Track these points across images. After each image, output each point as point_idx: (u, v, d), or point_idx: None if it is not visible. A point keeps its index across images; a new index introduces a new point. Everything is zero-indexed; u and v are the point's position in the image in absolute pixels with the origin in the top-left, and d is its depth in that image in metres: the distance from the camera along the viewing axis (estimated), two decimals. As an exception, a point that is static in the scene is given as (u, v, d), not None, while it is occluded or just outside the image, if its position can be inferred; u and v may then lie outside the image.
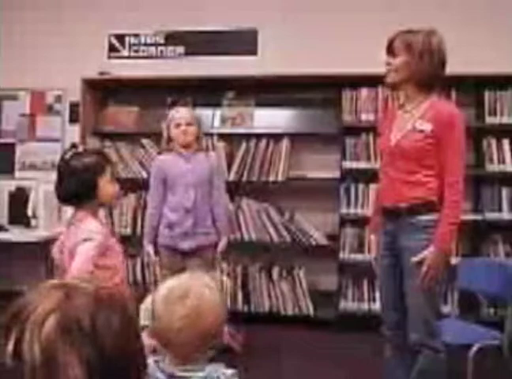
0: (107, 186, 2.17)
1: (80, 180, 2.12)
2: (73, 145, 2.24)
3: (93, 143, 4.43)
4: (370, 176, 3.84)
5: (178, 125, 3.13)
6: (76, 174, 2.12)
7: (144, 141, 4.45)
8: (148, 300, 3.34)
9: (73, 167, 2.13)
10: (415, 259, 2.24)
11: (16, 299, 0.77)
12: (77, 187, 2.12)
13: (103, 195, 2.17)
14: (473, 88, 4.10)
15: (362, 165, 4.10)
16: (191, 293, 1.32)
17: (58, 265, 2.23)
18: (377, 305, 3.90)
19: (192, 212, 3.09)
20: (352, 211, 4.11)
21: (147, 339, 1.28)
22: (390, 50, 2.36)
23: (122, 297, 0.81)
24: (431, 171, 2.28)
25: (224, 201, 3.24)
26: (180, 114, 3.18)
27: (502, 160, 3.96)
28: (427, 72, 2.29)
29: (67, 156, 2.17)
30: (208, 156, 3.20)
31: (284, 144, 4.25)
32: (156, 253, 3.22)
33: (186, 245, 3.10)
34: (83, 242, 2.05)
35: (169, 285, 1.37)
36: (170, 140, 3.19)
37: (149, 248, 3.21)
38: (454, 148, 2.25)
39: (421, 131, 2.28)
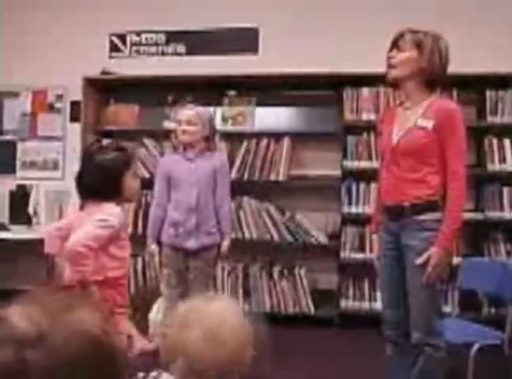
0: (131, 182, 2.16)
1: (107, 175, 2.09)
2: (97, 139, 2.24)
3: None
4: (371, 175, 3.84)
5: (179, 123, 3.12)
6: (102, 169, 2.09)
7: (145, 140, 4.45)
8: (154, 309, 3.33)
9: (99, 162, 2.11)
10: (420, 260, 2.24)
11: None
12: (103, 182, 2.09)
13: (127, 191, 2.15)
14: (475, 88, 4.09)
15: (363, 164, 4.10)
16: (206, 317, 1.16)
17: (49, 249, 2.20)
18: (378, 304, 3.90)
19: (195, 211, 3.08)
20: (353, 210, 4.11)
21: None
22: (396, 45, 2.37)
23: (98, 341, 0.70)
24: (433, 168, 2.29)
25: (228, 202, 3.23)
26: (182, 112, 3.15)
27: (503, 160, 3.96)
28: (435, 70, 2.30)
29: (92, 150, 2.17)
30: (212, 156, 3.18)
31: (285, 143, 4.25)
32: (160, 251, 3.22)
33: (189, 244, 3.10)
34: (94, 221, 2.02)
35: (187, 305, 1.21)
36: (178, 139, 3.20)
37: (153, 246, 3.21)
38: (456, 145, 2.26)
39: (423, 128, 2.29)
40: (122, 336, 1.91)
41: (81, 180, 2.15)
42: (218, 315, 1.17)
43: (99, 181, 2.09)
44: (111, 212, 2.07)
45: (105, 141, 2.25)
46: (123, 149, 2.24)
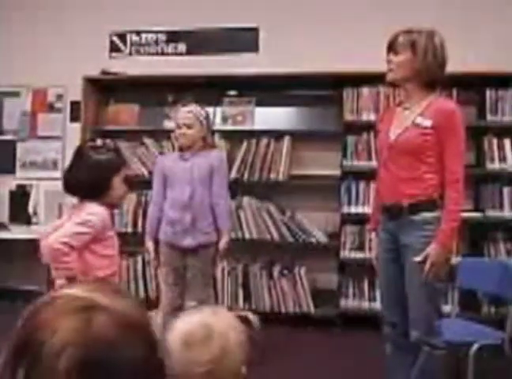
0: (119, 185, 2.17)
1: (98, 174, 2.10)
2: (92, 139, 2.25)
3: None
4: (370, 175, 3.83)
5: (179, 127, 3.14)
6: (93, 168, 2.10)
7: (146, 140, 4.45)
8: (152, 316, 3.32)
9: (91, 160, 2.12)
10: (418, 258, 2.24)
11: (28, 309, 0.69)
12: (93, 180, 2.10)
13: (114, 193, 2.16)
14: (474, 87, 4.09)
15: (363, 164, 4.10)
16: (215, 334, 1.17)
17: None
18: (377, 304, 3.89)
19: (189, 208, 3.08)
20: (352, 209, 4.11)
21: None
22: (392, 48, 2.37)
23: (147, 317, 0.73)
24: (431, 168, 2.29)
25: (225, 199, 3.23)
26: (181, 114, 3.16)
27: (502, 159, 3.95)
28: (431, 70, 2.30)
29: (86, 148, 2.17)
30: (210, 154, 3.18)
31: (285, 142, 4.25)
32: (157, 248, 3.22)
33: (186, 242, 3.10)
34: (76, 219, 2.05)
35: (188, 324, 1.20)
36: (177, 139, 3.23)
37: (149, 244, 3.22)
38: (454, 145, 2.26)
39: (421, 127, 2.29)
40: None
41: (71, 177, 2.15)
42: (223, 335, 1.19)
43: (89, 180, 2.10)
44: (91, 211, 2.08)
45: (99, 141, 2.24)
46: (117, 151, 2.26)
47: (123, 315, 0.68)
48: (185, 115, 3.13)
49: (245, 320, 1.32)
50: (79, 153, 2.19)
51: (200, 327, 1.18)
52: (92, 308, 0.66)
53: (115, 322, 0.66)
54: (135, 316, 0.70)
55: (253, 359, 1.25)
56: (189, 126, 3.10)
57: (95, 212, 2.09)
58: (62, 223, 2.19)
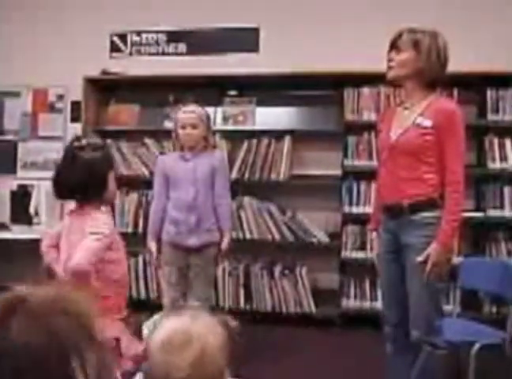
0: (112, 183, 2.14)
1: (93, 173, 2.05)
2: (78, 138, 2.17)
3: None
4: (371, 174, 3.83)
5: (183, 127, 3.12)
6: (88, 167, 2.04)
7: (146, 139, 4.45)
8: (155, 318, 3.31)
9: (85, 160, 2.05)
10: (420, 258, 2.24)
11: None
12: (89, 181, 2.05)
13: (110, 192, 2.13)
14: (475, 87, 4.09)
15: (363, 163, 4.10)
16: (194, 339, 1.17)
17: (49, 262, 2.17)
18: (379, 304, 3.90)
19: (194, 209, 3.09)
20: (353, 209, 4.11)
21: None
22: (395, 46, 2.37)
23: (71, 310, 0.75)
24: (431, 168, 2.30)
25: (227, 199, 3.23)
26: (184, 115, 3.14)
27: (504, 158, 3.95)
28: (433, 70, 2.31)
29: (76, 148, 2.09)
30: (211, 154, 3.19)
31: (286, 142, 4.25)
32: (160, 249, 3.22)
33: (190, 242, 3.11)
34: (89, 235, 1.97)
35: (168, 329, 1.21)
36: (178, 139, 3.19)
37: (152, 245, 3.21)
38: (454, 145, 2.27)
39: (421, 127, 2.30)
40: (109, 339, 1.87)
41: (63, 180, 2.08)
42: (202, 341, 1.18)
43: (85, 181, 2.04)
44: (102, 222, 2.03)
45: (84, 141, 2.15)
46: (105, 148, 2.22)
47: (33, 312, 0.71)
48: (189, 115, 3.12)
49: (225, 325, 1.32)
50: (69, 155, 2.11)
51: (179, 333, 1.19)
52: (12, 303, 0.73)
53: (25, 318, 0.70)
54: (46, 304, 0.74)
55: (235, 363, 1.24)
56: (194, 126, 3.10)
57: (103, 221, 2.03)
58: (59, 232, 2.15)
